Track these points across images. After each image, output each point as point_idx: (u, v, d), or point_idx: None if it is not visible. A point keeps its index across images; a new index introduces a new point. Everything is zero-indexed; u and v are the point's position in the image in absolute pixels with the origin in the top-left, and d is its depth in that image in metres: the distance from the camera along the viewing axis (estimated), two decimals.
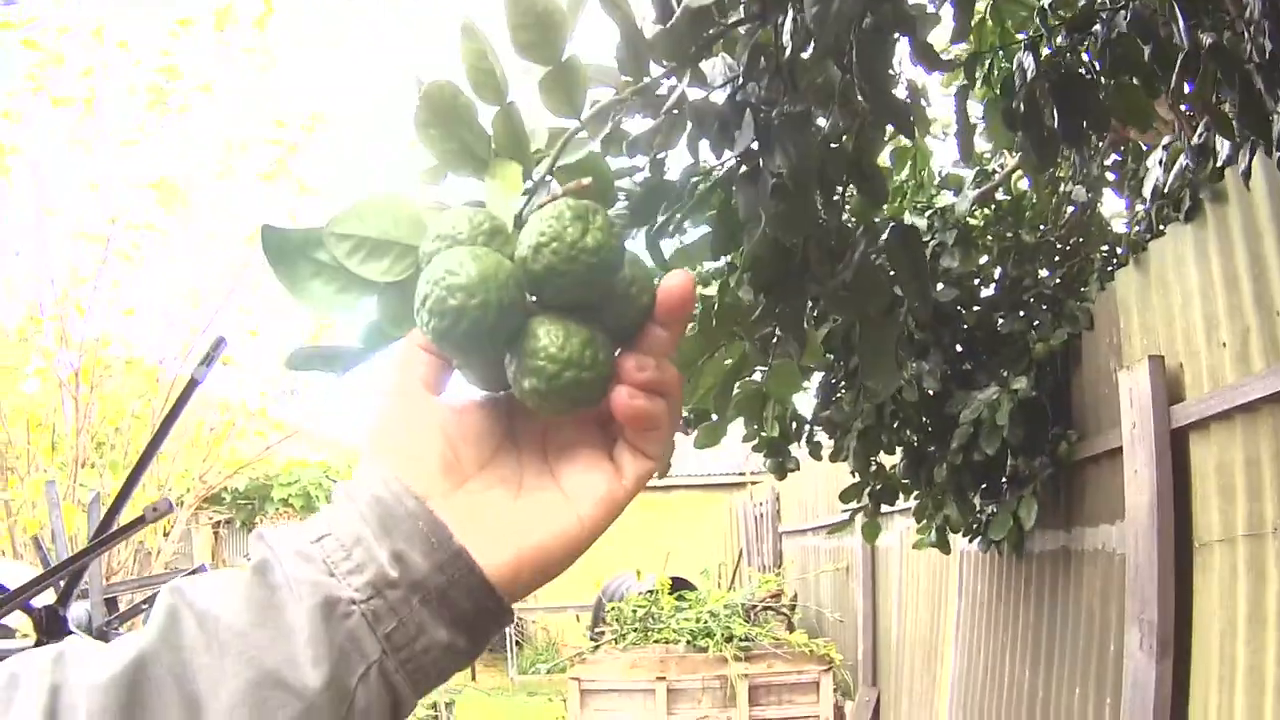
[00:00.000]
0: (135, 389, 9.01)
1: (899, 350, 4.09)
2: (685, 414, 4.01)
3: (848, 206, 2.85)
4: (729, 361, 2.91)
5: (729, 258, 3.02)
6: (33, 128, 8.85)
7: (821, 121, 2.46)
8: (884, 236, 2.55)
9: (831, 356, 4.75)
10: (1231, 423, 3.48)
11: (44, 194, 8.89)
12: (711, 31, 2.13)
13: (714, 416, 3.43)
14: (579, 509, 0.88)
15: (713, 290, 2.85)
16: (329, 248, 0.99)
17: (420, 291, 0.86)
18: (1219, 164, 3.54)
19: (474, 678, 16.99)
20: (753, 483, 15.84)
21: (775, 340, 2.77)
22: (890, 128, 2.68)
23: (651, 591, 10.28)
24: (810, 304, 2.79)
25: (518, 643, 18.21)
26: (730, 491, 17.52)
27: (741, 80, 2.25)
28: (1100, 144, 5.04)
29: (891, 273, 2.60)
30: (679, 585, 10.76)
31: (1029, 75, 2.82)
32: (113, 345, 9.03)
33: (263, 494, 16.10)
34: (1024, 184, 5.45)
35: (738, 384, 3.10)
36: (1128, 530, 4.03)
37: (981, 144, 4.05)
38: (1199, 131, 3.74)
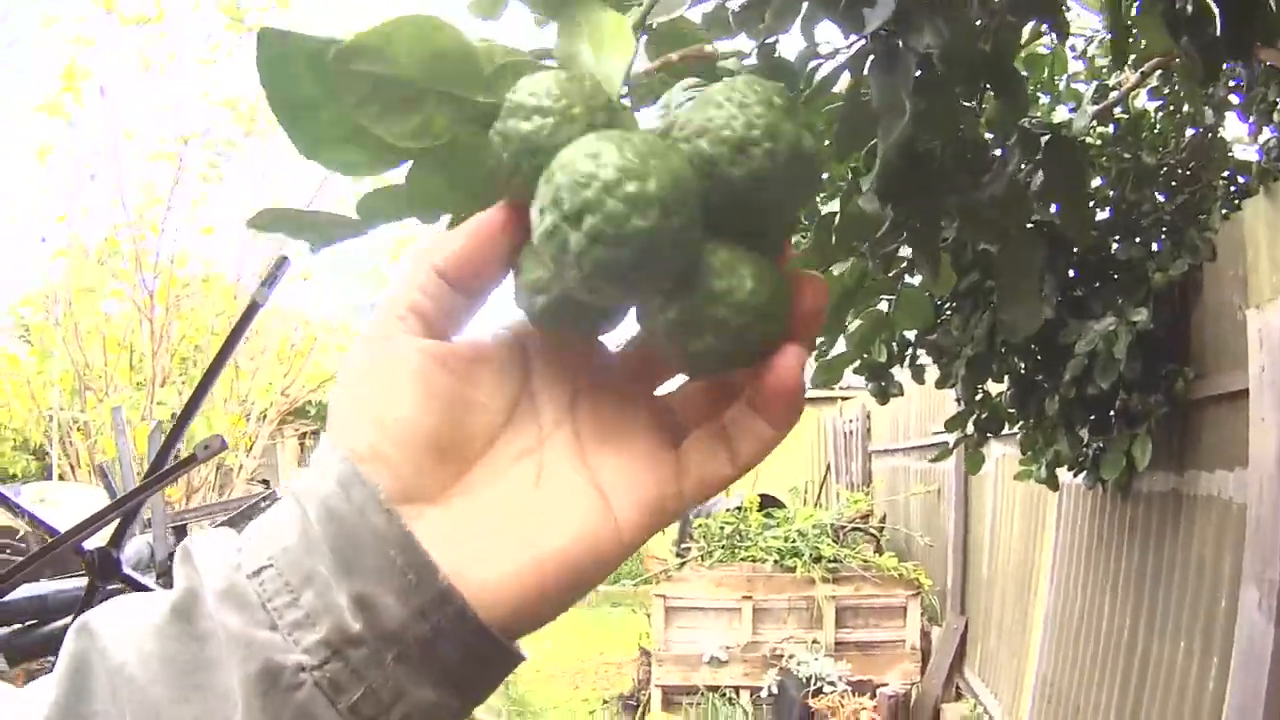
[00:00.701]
0: (215, 306, 9.05)
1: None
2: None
3: (982, 115, 2.57)
4: (848, 284, 2.60)
5: (854, 160, 2.69)
6: (104, 49, 8.87)
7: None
8: (1040, 150, 2.25)
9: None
10: None
11: (118, 115, 8.92)
12: None
13: (831, 350, 3.22)
14: (618, 511, 0.64)
15: (833, 205, 2.54)
16: (337, 91, 0.68)
17: (569, 197, 0.57)
18: None
19: None
20: (844, 398, 15.61)
21: (905, 262, 2.49)
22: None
23: (739, 508, 10.15)
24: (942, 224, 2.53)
25: None
26: (820, 406, 17.28)
27: None
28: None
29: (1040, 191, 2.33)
30: (767, 502, 10.65)
31: None
32: (190, 264, 9.09)
33: None
34: (1142, 103, 5.13)
35: (857, 311, 2.83)
36: (1250, 480, 3.76)
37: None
38: None
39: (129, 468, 4.28)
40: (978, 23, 2.22)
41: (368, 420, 0.62)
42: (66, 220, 9.05)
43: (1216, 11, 2.47)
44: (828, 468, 15.31)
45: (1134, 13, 3.33)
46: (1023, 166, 2.23)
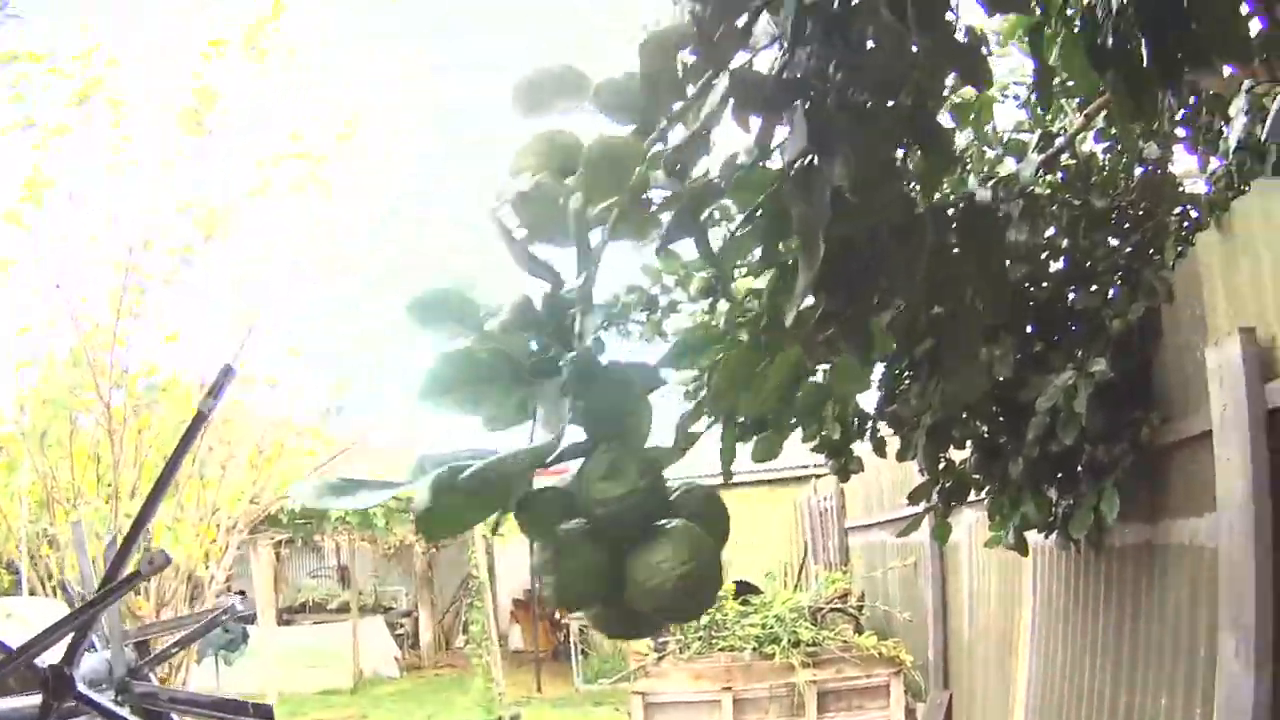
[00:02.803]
0: (180, 414, 8.95)
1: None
2: (741, 421, 3.75)
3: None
4: (786, 368, 2.53)
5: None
6: (65, 157, 8.85)
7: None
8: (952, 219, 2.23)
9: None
10: None
11: (80, 223, 8.90)
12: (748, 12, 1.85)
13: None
14: None
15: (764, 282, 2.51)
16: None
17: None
18: None
19: (539, 689, 16.83)
20: (816, 476, 15.51)
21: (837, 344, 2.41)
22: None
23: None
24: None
25: (583, 652, 17.97)
26: (793, 486, 17.15)
27: (788, 48, 1.92)
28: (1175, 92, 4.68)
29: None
30: (743, 589, 10.53)
31: (1114, 4, 2.42)
32: (156, 373, 9.04)
33: (319, 512, 15.92)
34: (1089, 146, 5.08)
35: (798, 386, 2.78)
36: (1220, 524, 3.64)
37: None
38: None
39: (90, 583, 4.17)
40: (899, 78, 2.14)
41: None
42: (30, 331, 8.96)
43: (1142, 41, 2.38)
44: (805, 549, 15.15)
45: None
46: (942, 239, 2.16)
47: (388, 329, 10.13)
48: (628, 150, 1.66)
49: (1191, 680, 3.97)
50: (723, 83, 1.80)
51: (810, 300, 2.16)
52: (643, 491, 1.42)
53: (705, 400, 2.70)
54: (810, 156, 1.92)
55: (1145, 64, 2.43)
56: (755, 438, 3.44)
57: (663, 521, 1.46)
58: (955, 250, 2.24)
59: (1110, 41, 2.42)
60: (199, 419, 3.16)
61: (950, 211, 2.24)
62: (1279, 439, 3.39)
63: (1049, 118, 5.22)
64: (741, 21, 1.86)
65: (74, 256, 8.80)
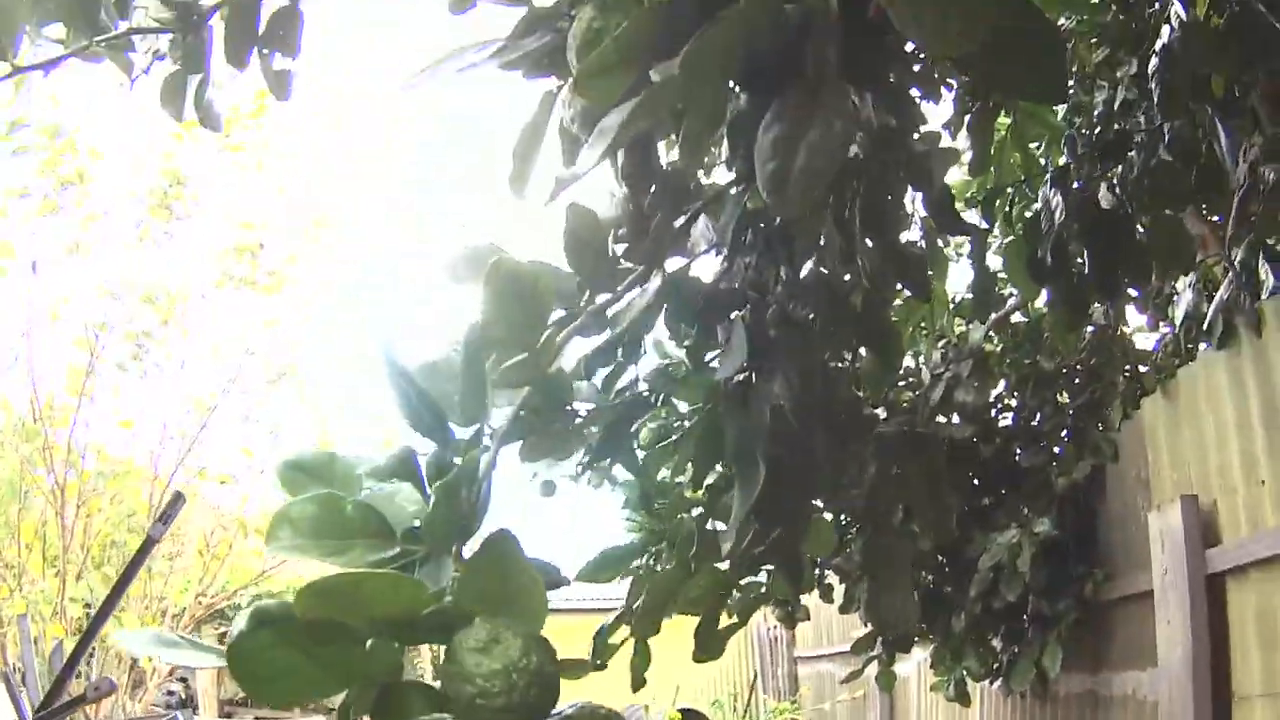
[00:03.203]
0: (130, 500, 8.88)
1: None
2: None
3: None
4: (713, 583, 2.41)
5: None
6: (29, 233, 8.79)
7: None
8: (895, 447, 2.17)
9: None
10: (1273, 569, 3.23)
11: (40, 297, 8.82)
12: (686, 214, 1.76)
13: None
14: None
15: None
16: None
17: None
18: (1264, 293, 3.31)
19: None
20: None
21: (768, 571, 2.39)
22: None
23: None
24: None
25: None
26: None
27: (727, 256, 1.89)
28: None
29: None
30: (690, 718, 10.44)
31: (1056, 217, 2.55)
32: (108, 457, 8.92)
33: None
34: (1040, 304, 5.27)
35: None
36: (1160, 682, 3.78)
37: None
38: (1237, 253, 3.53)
39: (34, 680, 4.19)
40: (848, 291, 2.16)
41: None
42: None
43: (1085, 256, 2.52)
44: (754, 679, 15.07)
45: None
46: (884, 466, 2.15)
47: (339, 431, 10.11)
48: (538, 287, 1.48)
49: None
50: (654, 284, 1.70)
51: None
52: (525, 673, 1.14)
53: (628, 617, 2.54)
54: (748, 373, 1.86)
55: (1084, 277, 2.57)
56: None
57: None
58: (896, 472, 2.18)
59: (1049, 258, 2.54)
60: (148, 543, 3.21)
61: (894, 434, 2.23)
62: (1218, 602, 3.54)
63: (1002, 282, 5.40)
64: (679, 222, 1.75)
65: (35, 331, 8.73)
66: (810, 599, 5.15)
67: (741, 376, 1.88)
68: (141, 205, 9.05)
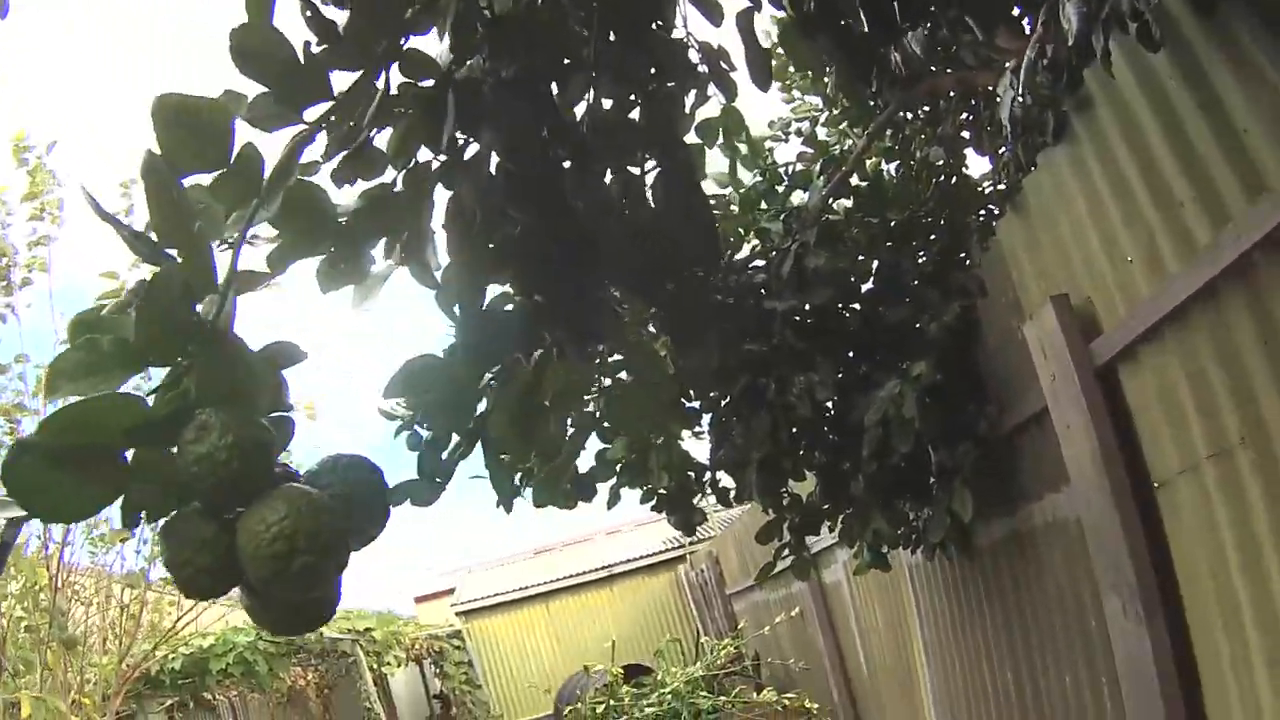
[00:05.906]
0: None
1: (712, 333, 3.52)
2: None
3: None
4: (516, 391, 2.34)
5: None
6: None
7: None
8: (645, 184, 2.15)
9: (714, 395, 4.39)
10: (1161, 341, 3.08)
11: None
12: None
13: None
14: None
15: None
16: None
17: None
18: (1074, 62, 3.17)
19: None
20: (690, 552, 15.44)
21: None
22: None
23: (606, 685, 9.81)
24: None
25: None
26: (672, 566, 17.03)
27: (453, 56, 1.84)
28: (952, 97, 4.76)
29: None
30: (635, 672, 10.37)
31: None
32: None
33: (201, 668, 15.29)
34: (876, 163, 5.15)
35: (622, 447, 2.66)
36: (1075, 492, 3.65)
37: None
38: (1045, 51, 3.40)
39: None
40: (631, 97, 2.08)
41: None
42: None
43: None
44: (698, 630, 15.06)
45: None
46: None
47: None
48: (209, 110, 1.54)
49: (1089, 652, 3.96)
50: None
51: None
52: (228, 450, 1.32)
53: (422, 421, 2.51)
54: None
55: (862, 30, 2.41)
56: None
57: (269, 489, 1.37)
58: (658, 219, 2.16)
59: (812, 6, 2.38)
60: None
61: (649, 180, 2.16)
62: (1113, 393, 3.40)
63: (833, 144, 5.27)
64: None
65: None
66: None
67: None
68: None
